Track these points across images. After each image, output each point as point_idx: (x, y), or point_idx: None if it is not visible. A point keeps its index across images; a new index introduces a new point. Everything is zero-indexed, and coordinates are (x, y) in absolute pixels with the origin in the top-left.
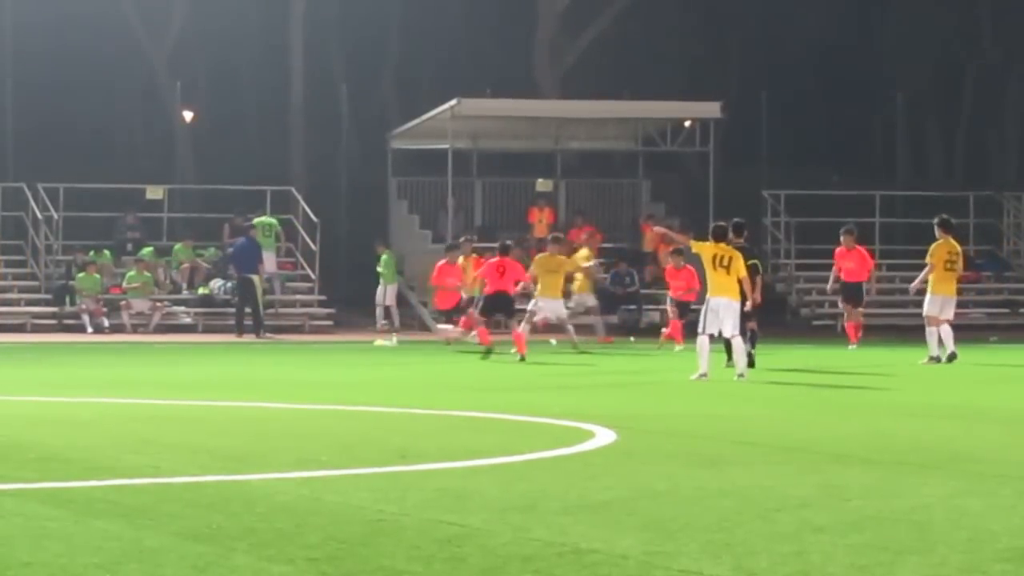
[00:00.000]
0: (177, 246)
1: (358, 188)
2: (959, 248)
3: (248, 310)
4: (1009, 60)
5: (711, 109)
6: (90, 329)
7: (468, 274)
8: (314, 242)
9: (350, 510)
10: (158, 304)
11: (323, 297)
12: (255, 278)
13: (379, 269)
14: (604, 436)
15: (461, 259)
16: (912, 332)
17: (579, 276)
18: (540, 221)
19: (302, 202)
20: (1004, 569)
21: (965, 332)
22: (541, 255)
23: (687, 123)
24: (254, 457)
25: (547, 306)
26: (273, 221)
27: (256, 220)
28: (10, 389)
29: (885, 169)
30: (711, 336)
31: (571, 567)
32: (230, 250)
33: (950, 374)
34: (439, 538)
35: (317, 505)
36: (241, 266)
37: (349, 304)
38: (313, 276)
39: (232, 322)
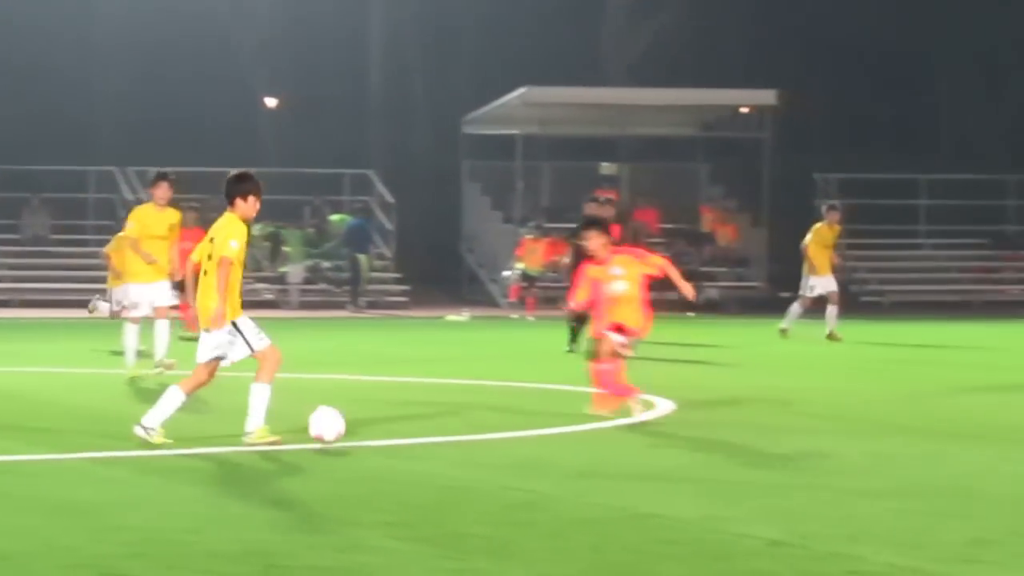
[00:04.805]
0: (256, 227)
1: (433, 171)
2: None
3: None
4: None
5: (767, 97)
6: None
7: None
8: (390, 222)
9: (422, 478)
10: None
11: (399, 275)
12: (362, 257)
13: None
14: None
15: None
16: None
17: None
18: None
19: (379, 184)
20: None
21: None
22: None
23: (743, 110)
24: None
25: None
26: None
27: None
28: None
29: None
30: None
31: (630, 530)
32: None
33: None
34: (508, 504)
35: (392, 473)
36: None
37: (424, 281)
38: (388, 255)
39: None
